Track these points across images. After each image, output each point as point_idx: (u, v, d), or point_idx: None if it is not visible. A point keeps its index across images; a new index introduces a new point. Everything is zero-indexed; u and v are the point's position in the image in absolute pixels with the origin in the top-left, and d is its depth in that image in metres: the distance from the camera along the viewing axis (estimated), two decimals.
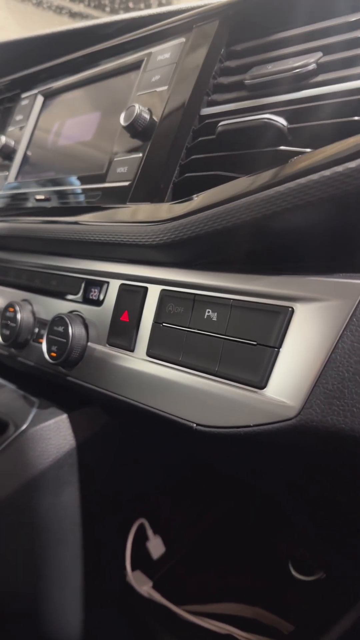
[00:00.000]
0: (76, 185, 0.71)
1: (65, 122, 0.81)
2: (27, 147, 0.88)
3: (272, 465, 0.58)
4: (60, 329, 0.66)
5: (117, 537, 0.78)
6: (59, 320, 0.67)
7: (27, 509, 0.67)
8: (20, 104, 0.94)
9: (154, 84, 0.65)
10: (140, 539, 0.80)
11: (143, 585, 0.76)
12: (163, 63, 0.65)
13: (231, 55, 0.59)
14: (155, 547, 0.79)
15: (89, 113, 0.76)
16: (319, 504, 0.66)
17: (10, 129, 0.94)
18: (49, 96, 0.88)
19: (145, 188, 0.60)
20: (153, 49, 0.68)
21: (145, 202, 0.59)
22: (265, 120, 0.49)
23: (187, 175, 0.56)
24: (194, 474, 0.74)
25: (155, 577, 0.77)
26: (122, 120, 0.64)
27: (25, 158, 0.87)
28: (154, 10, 0.73)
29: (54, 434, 0.69)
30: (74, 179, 0.73)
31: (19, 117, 0.93)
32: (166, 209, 0.54)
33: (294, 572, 0.72)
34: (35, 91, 0.92)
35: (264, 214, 0.43)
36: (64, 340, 0.65)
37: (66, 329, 0.65)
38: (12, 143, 0.90)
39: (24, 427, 0.69)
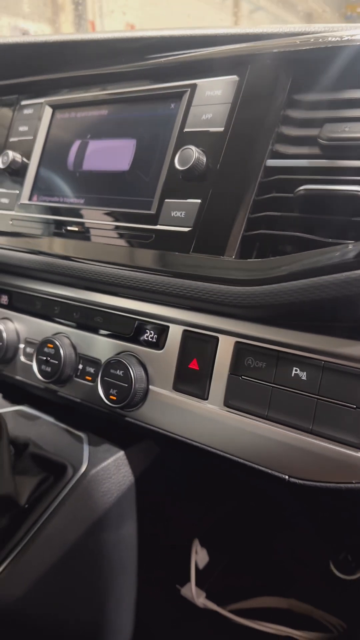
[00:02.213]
0: (119, 222, 0.70)
1: (89, 143, 0.77)
2: (39, 164, 0.83)
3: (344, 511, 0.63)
4: (119, 372, 0.66)
5: (169, 556, 0.82)
6: (117, 363, 0.67)
7: (92, 547, 0.69)
8: (21, 112, 0.88)
9: (206, 123, 0.64)
10: (187, 553, 0.85)
11: (198, 597, 0.81)
12: (214, 100, 0.64)
13: (293, 104, 0.59)
14: (202, 559, 0.84)
15: (119, 138, 0.73)
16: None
17: (13, 139, 0.88)
18: (58, 108, 0.83)
19: (212, 239, 0.60)
20: (198, 81, 0.66)
21: (213, 254, 0.59)
22: (356, 192, 0.51)
23: (262, 232, 0.57)
24: (234, 488, 0.79)
25: (205, 587, 0.83)
26: (177, 162, 0.63)
27: (38, 176, 0.83)
28: (192, 30, 0.70)
29: (114, 472, 0.70)
30: (115, 213, 0.70)
31: (22, 128, 0.87)
32: (253, 269, 0.55)
33: (335, 572, 0.80)
34: (38, 100, 0.86)
35: None
36: (125, 385, 0.65)
37: (127, 373, 0.65)
38: (20, 158, 0.84)
39: (83, 469, 0.69)
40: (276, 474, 0.55)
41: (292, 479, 0.54)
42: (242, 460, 0.58)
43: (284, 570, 0.88)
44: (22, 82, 0.88)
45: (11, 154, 0.84)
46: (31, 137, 0.85)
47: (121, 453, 0.72)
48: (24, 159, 0.84)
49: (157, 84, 0.71)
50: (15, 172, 0.85)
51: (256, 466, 0.57)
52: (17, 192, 0.84)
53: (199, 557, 0.83)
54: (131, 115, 0.73)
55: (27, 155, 0.84)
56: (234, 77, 0.63)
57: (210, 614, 0.81)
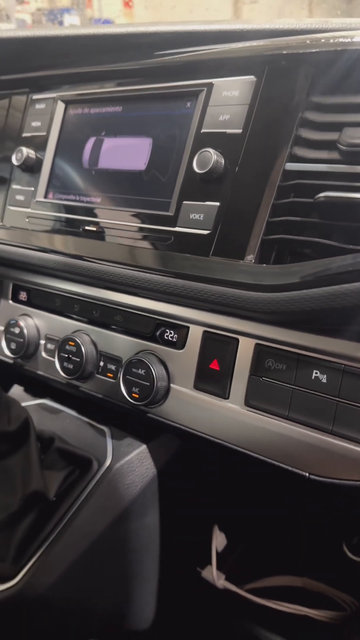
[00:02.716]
0: (137, 222, 0.70)
1: (104, 141, 0.77)
2: (54, 161, 0.83)
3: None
4: (141, 371, 0.68)
5: (190, 540, 0.86)
6: (138, 362, 0.68)
7: (118, 536, 0.72)
8: (33, 107, 0.87)
9: (224, 124, 0.64)
10: (205, 537, 0.89)
11: (218, 580, 0.85)
12: (231, 101, 0.64)
13: (312, 106, 0.59)
14: (220, 543, 0.88)
15: (134, 136, 0.73)
16: None
17: (26, 134, 0.88)
18: (71, 104, 0.82)
19: (231, 242, 0.61)
20: (214, 81, 0.66)
21: (233, 258, 0.60)
22: None
23: (282, 236, 0.58)
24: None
25: (224, 569, 0.87)
26: (196, 165, 0.63)
27: (53, 173, 0.83)
28: (207, 26, 0.69)
29: (137, 465, 0.73)
30: (132, 214, 0.71)
31: (35, 123, 0.87)
32: (274, 275, 0.56)
33: (349, 554, 0.84)
34: (50, 95, 0.85)
35: None
36: (147, 384, 0.67)
37: (148, 372, 0.67)
38: (34, 154, 0.84)
39: (107, 462, 0.72)
40: (296, 471, 0.58)
41: (312, 476, 0.57)
42: (262, 457, 0.60)
43: (298, 552, 0.92)
44: (34, 76, 0.87)
45: (25, 150, 0.84)
46: (44, 133, 0.85)
47: (143, 447, 0.75)
48: (38, 155, 0.84)
49: (171, 82, 0.70)
50: (30, 169, 0.85)
51: (277, 463, 0.59)
52: (32, 189, 0.85)
53: (218, 541, 0.87)
54: (146, 113, 0.73)
55: (41, 151, 0.84)
56: (252, 78, 0.63)
57: (228, 595, 0.85)
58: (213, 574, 0.84)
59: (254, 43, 0.64)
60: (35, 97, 0.88)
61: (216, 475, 0.84)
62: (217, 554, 0.86)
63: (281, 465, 0.59)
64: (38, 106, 0.87)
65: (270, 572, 0.91)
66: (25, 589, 0.64)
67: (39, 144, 0.85)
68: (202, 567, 0.88)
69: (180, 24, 0.72)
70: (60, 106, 0.83)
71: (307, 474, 0.57)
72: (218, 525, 0.88)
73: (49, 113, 0.85)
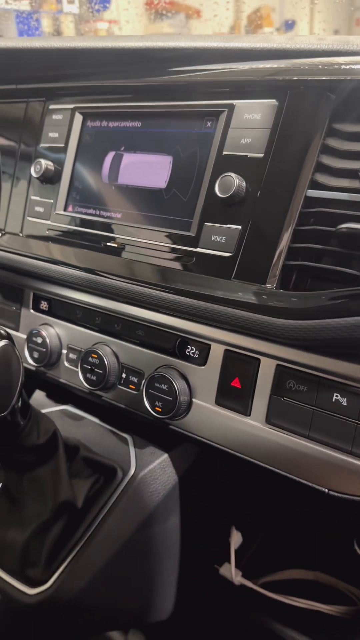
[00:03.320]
0: (158, 241, 0.72)
1: (123, 156, 0.78)
2: (73, 174, 0.84)
3: None
4: (164, 386, 0.71)
5: (208, 539, 0.90)
6: (161, 377, 0.71)
7: (142, 541, 0.76)
8: (50, 117, 0.88)
9: (245, 148, 0.65)
10: (222, 534, 0.93)
11: (236, 576, 0.89)
12: (253, 124, 0.64)
13: (334, 133, 0.60)
14: (236, 541, 0.92)
15: (154, 153, 0.74)
16: None
17: (43, 145, 0.88)
18: (89, 116, 0.83)
19: (253, 266, 0.63)
20: (235, 102, 0.66)
21: (255, 282, 0.62)
22: None
23: (304, 263, 0.60)
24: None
25: (240, 566, 0.91)
26: (218, 190, 0.65)
27: (72, 186, 0.84)
28: (228, 43, 0.69)
29: (160, 474, 0.76)
30: (154, 232, 0.73)
31: (53, 134, 0.87)
32: (297, 301, 0.58)
33: (359, 551, 0.88)
34: (67, 105, 0.85)
35: None
36: (170, 399, 0.70)
37: (171, 388, 0.70)
38: (52, 166, 0.85)
39: (132, 471, 0.75)
40: (316, 486, 0.61)
41: (331, 492, 0.60)
42: (283, 473, 0.63)
43: (310, 547, 0.96)
44: (50, 87, 0.87)
45: (44, 162, 0.85)
46: (62, 145, 0.85)
47: (165, 456, 0.78)
48: (57, 166, 0.85)
49: (191, 101, 0.71)
50: (49, 180, 0.86)
51: (296, 478, 0.62)
52: (52, 201, 0.86)
53: (234, 539, 0.91)
54: (165, 130, 0.74)
55: (59, 162, 0.85)
56: (273, 102, 0.63)
57: (244, 590, 0.90)
58: (231, 572, 0.88)
59: (275, 64, 0.65)
60: (52, 107, 0.88)
61: (234, 482, 0.88)
62: (234, 551, 0.90)
63: (301, 480, 0.62)
64: (55, 117, 0.87)
65: (283, 566, 0.96)
66: (57, 593, 0.68)
67: (57, 156, 0.86)
68: (219, 564, 0.93)
69: (200, 40, 0.72)
70: (78, 118, 0.84)
71: (326, 490, 0.60)
72: (233, 523, 0.92)
73: (66, 124, 0.85)
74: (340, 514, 0.86)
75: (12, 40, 0.86)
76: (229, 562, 0.90)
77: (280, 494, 0.86)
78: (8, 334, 0.63)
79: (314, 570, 0.95)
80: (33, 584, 0.70)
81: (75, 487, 0.73)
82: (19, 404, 0.64)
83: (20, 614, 0.71)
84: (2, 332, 0.62)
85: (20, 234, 0.90)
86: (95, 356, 0.78)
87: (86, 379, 0.79)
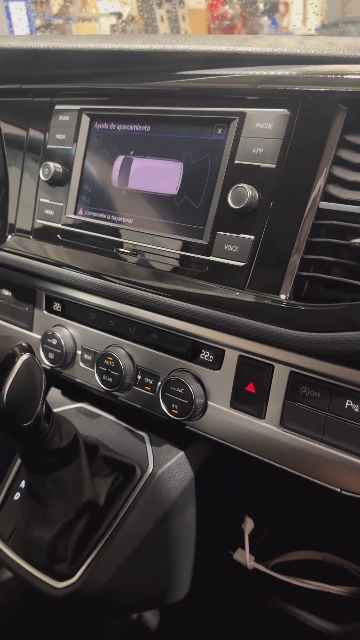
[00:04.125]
0: (171, 248, 0.73)
1: (133, 161, 0.78)
2: (82, 177, 0.84)
3: None
4: (180, 390, 0.73)
5: (223, 526, 0.94)
6: (176, 381, 0.73)
7: (161, 534, 0.80)
8: (57, 118, 0.87)
9: (257, 158, 0.65)
10: (233, 520, 0.97)
11: (249, 561, 0.94)
12: (264, 134, 0.65)
13: (346, 145, 0.60)
14: (249, 527, 0.97)
15: (164, 159, 0.75)
16: None
17: (51, 146, 0.88)
18: (97, 119, 0.83)
19: (267, 276, 0.64)
20: (247, 110, 0.66)
21: (269, 292, 0.64)
22: None
23: (317, 274, 0.61)
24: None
25: (252, 551, 0.96)
26: (230, 201, 0.65)
27: (81, 189, 0.85)
28: (239, 48, 0.69)
29: (177, 471, 0.80)
30: (166, 239, 0.74)
31: (60, 136, 0.87)
32: (311, 313, 0.59)
33: None
34: (73, 107, 0.85)
35: None
36: (186, 401, 0.73)
37: (187, 391, 0.72)
38: (61, 168, 0.85)
39: (150, 469, 0.78)
40: (329, 486, 0.64)
41: (343, 492, 0.63)
42: (296, 473, 0.67)
43: (318, 530, 1.01)
44: (57, 87, 0.86)
45: (52, 165, 0.85)
46: (70, 147, 0.85)
47: (181, 453, 0.81)
48: (65, 169, 0.86)
49: (201, 107, 0.71)
50: (57, 183, 0.86)
51: (310, 478, 0.66)
52: (61, 204, 0.86)
53: (248, 526, 0.96)
54: (176, 135, 0.74)
55: (67, 165, 0.86)
56: (285, 111, 0.63)
57: (257, 573, 0.95)
58: (246, 557, 0.93)
59: (286, 72, 0.65)
60: (59, 107, 0.87)
61: (247, 477, 0.91)
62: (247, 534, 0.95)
63: (314, 480, 0.65)
64: (62, 117, 0.87)
65: (291, 548, 1.01)
66: (84, 586, 0.72)
67: (65, 158, 0.86)
68: (232, 549, 0.98)
69: (209, 42, 0.72)
70: (85, 120, 0.84)
71: (339, 490, 0.63)
72: (245, 511, 0.97)
73: (73, 126, 0.85)
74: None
75: (16, 40, 0.85)
76: (241, 547, 0.95)
77: (291, 489, 0.90)
78: (29, 346, 0.65)
79: (322, 551, 1.00)
80: (60, 578, 0.74)
81: (97, 485, 0.76)
82: (43, 410, 0.67)
83: (49, 605, 0.75)
84: (24, 344, 0.64)
85: (30, 237, 0.91)
86: (111, 359, 0.80)
87: (102, 381, 0.82)
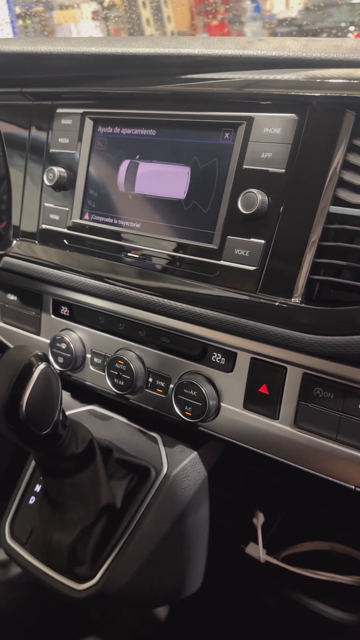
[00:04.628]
0: (180, 252, 0.73)
1: (139, 165, 0.79)
2: (87, 181, 0.84)
3: None
4: (193, 392, 0.74)
5: (234, 521, 0.96)
6: (189, 384, 0.74)
7: (176, 532, 0.82)
8: (59, 121, 0.87)
9: (266, 162, 0.66)
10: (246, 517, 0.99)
11: (262, 554, 0.96)
12: (273, 138, 0.65)
13: (355, 149, 0.61)
14: (260, 521, 0.99)
15: (171, 163, 0.75)
16: None
17: (54, 150, 0.88)
18: (100, 123, 0.83)
19: (278, 280, 0.65)
20: (254, 115, 0.67)
21: (281, 296, 0.65)
22: None
23: (328, 278, 0.62)
24: None
25: (264, 544, 0.98)
26: (241, 206, 0.66)
27: (87, 194, 0.85)
28: (245, 51, 0.68)
29: (191, 471, 0.81)
30: (175, 243, 0.74)
31: (63, 140, 0.87)
32: (324, 316, 0.61)
33: None
34: (76, 110, 0.85)
35: None
36: (200, 404, 0.74)
37: (200, 394, 0.73)
38: (65, 173, 0.85)
39: (164, 470, 0.80)
40: (343, 484, 0.66)
41: (357, 489, 0.65)
42: (311, 471, 0.68)
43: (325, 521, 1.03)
44: (58, 91, 0.86)
45: (56, 170, 0.85)
46: (73, 151, 0.85)
47: (195, 453, 0.82)
48: (69, 173, 0.85)
49: (208, 111, 0.71)
50: (62, 187, 0.86)
51: (324, 476, 0.67)
52: (67, 209, 0.86)
53: (260, 521, 0.97)
54: (182, 140, 0.74)
55: (71, 169, 0.85)
56: (293, 116, 0.64)
57: (269, 566, 0.97)
58: (259, 551, 0.95)
59: (293, 76, 0.65)
60: (60, 110, 0.87)
61: (259, 475, 0.93)
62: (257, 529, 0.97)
63: (329, 478, 0.67)
64: (64, 121, 0.87)
65: (300, 539, 1.03)
66: (104, 588, 0.74)
67: (69, 162, 0.86)
68: (243, 543, 1.00)
69: (214, 45, 0.72)
70: (89, 124, 0.84)
71: (353, 487, 0.65)
72: (257, 505, 0.99)
73: (76, 130, 0.85)
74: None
75: (16, 43, 0.84)
76: (253, 541, 0.97)
77: (300, 485, 0.91)
78: (45, 355, 0.65)
79: (330, 542, 1.02)
80: (80, 580, 0.76)
81: (113, 488, 0.77)
82: (60, 418, 0.68)
83: (70, 606, 0.77)
84: (40, 353, 0.65)
85: (36, 242, 0.91)
86: (122, 362, 0.81)
87: (114, 384, 0.82)
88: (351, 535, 1.01)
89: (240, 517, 1.00)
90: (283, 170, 0.64)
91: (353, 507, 1.01)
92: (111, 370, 0.82)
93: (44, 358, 0.65)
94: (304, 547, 1.02)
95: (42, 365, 0.64)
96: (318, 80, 0.63)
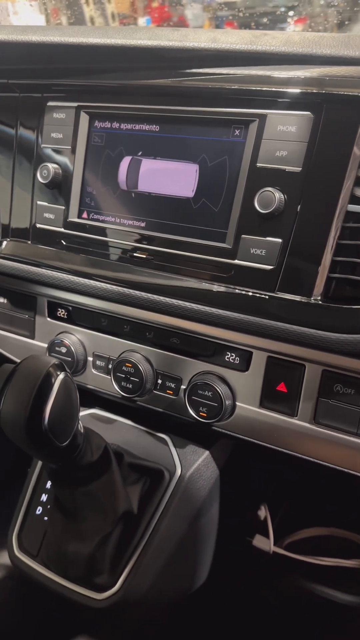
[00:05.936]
0: (191, 252, 0.72)
1: (142, 162, 0.76)
2: (83, 178, 0.81)
3: None
4: (208, 393, 0.74)
5: (243, 516, 0.97)
6: (204, 385, 0.74)
7: (192, 533, 0.81)
8: (51, 116, 0.83)
9: (281, 161, 0.65)
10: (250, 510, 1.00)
11: (271, 546, 0.98)
12: (288, 137, 0.65)
13: None
14: (263, 513, 1.00)
15: (177, 160, 0.73)
16: None
17: (45, 145, 0.84)
18: (97, 117, 0.79)
19: (297, 279, 0.65)
20: (267, 112, 0.66)
21: (300, 294, 0.65)
22: None
23: (348, 276, 0.63)
24: None
25: (268, 536, 0.99)
26: (257, 205, 0.65)
27: (84, 192, 0.81)
28: (252, 46, 0.67)
29: (204, 471, 0.81)
30: (185, 242, 0.73)
31: (56, 135, 0.83)
32: (345, 314, 0.61)
33: None
34: (69, 104, 0.81)
35: None
36: (215, 404, 0.73)
37: (216, 394, 0.73)
38: (59, 169, 0.82)
39: (178, 472, 0.79)
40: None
41: None
42: (331, 465, 0.69)
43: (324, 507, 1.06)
44: (49, 83, 0.82)
45: (51, 167, 0.81)
46: (68, 147, 0.82)
47: (207, 453, 0.82)
48: (64, 170, 0.82)
49: (215, 107, 0.69)
50: (57, 185, 0.83)
51: (345, 470, 0.69)
52: (62, 207, 0.83)
53: (266, 512, 0.99)
54: (188, 136, 0.72)
55: (66, 165, 0.82)
56: (308, 114, 0.64)
57: (276, 556, 0.99)
58: (269, 544, 0.96)
59: (308, 73, 0.65)
60: (52, 103, 0.83)
61: (268, 469, 0.94)
62: (261, 521, 0.98)
63: (349, 471, 0.68)
64: (56, 115, 0.83)
65: (299, 527, 1.06)
66: (126, 595, 0.73)
67: (63, 159, 0.82)
68: (250, 536, 1.01)
69: (221, 39, 0.70)
70: (85, 118, 0.80)
71: None
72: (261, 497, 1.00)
73: (71, 124, 0.81)
74: None
75: (3, 32, 0.79)
76: (258, 533, 0.99)
77: (303, 476, 0.93)
78: (62, 364, 0.63)
79: (329, 527, 1.05)
80: (100, 589, 0.74)
81: (131, 494, 0.76)
82: (79, 428, 0.66)
83: (91, 616, 0.75)
84: (57, 362, 0.62)
85: (28, 242, 0.87)
86: (130, 365, 0.79)
87: (121, 387, 0.80)
88: (348, 519, 1.05)
89: (245, 511, 1.01)
90: (299, 169, 0.64)
91: (350, 492, 1.04)
92: (118, 374, 0.80)
93: (62, 367, 0.62)
94: (303, 534, 1.05)
95: (61, 375, 0.61)
96: (333, 78, 0.63)
